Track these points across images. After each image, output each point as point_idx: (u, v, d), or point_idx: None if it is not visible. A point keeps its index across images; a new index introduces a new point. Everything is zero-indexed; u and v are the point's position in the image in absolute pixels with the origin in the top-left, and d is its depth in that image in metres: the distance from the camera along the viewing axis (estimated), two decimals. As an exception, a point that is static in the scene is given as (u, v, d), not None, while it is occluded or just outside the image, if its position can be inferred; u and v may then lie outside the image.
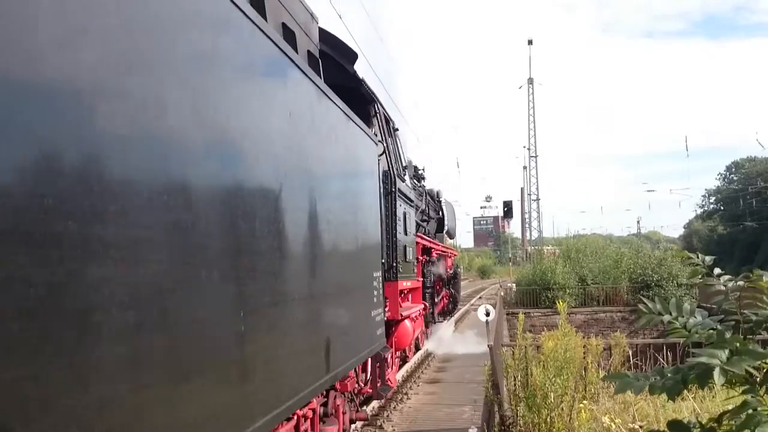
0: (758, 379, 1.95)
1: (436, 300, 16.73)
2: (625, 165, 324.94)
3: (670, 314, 2.18)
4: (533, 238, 62.24)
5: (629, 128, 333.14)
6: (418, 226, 13.38)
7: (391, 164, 9.57)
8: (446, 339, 18.78)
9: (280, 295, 4.04)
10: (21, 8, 1.92)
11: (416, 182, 14.90)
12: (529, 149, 61.31)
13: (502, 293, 31.61)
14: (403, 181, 10.89)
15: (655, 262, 28.75)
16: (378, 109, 9.43)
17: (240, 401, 3.34)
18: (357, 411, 7.99)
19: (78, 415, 2.06)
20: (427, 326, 16.38)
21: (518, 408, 7.64)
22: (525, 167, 62.03)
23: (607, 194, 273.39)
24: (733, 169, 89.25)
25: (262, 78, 3.95)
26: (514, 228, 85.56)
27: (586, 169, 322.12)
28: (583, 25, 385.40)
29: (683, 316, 2.16)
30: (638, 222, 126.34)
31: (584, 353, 9.39)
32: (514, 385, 7.84)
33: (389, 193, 9.15)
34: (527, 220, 62.76)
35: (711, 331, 2.07)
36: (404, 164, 11.90)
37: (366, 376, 8.35)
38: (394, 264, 9.47)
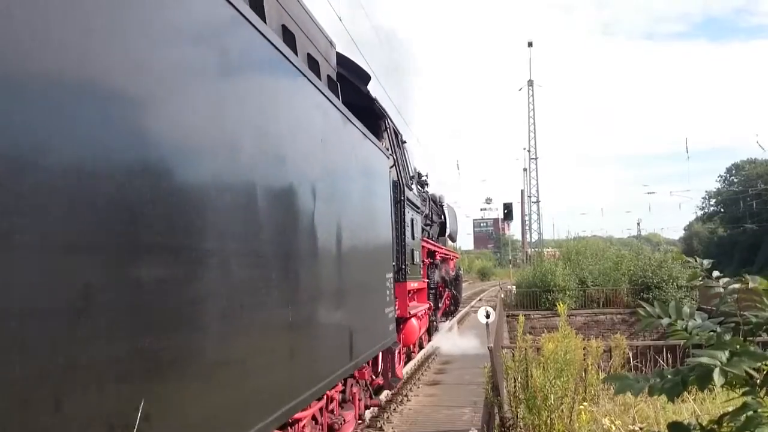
0: (758, 381, 1.95)
1: (439, 304, 17.59)
2: (625, 167, 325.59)
3: (670, 317, 2.18)
4: (533, 240, 62.21)
5: (629, 130, 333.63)
6: (422, 230, 14.00)
7: (400, 174, 10.43)
8: (449, 337, 19.40)
9: (316, 292, 4.84)
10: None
11: (420, 188, 15.47)
12: (529, 151, 61.33)
13: (502, 295, 31.59)
14: (411, 189, 11.75)
15: (655, 264, 28.69)
16: (388, 124, 10.20)
17: (288, 379, 4.15)
18: (371, 398, 8.61)
19: (196, 370, 2.95)
20: (431, 324, 16.87)
21: (518, 410, 7.64)
22: (525, 169, 62.06)
23: (607, 196, 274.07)
24: (734, 171, 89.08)
25: (311, 112, 4.96)
26: (514, 230, 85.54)
27: (587, 171, 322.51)
28: (582, 26, 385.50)
29: (683, 319, 2.17)
30: (638, 224, 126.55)
31: (584, 355, 9.40)
32: (514, 386, 7.84)
33: (398, 202, 10.01)
34: (527, 222, 62.75)
35: (711, 333, 2.08)
36: (411, 174, 12.80)
37: (377, 369, 8.95)
38: (403, 266, 10.33)
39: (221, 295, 3.17)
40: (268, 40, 3.93)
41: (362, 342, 6.37)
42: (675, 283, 27.28)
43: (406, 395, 11.65)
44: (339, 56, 7.38)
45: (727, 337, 2.02)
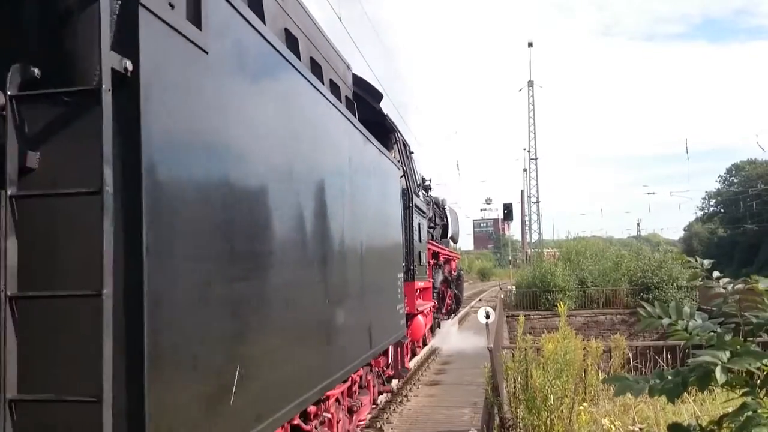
0: (758, 381, 1.95)
1: (442, 302, 18.21)
2: (625, 167, 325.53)
3: (670, 317, 2.18)
4: (533, 241, 62.20)
5: (629, 130, 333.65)
6: (427, 233, 14.75)
7: (409, 183, 11.54)
8: (451, 336, 20.08)
9: (345, 289, 5.67)
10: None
11: (424, 192, 16.16)
12: (529, 152, 61.26)
13: (502, 296, 31.58)
14: (418, 196, 12.90)
15: (655, 264, 28.68)
16: (398, 137, 11.38)
17: (325, 361, 5.00)
18: (383, 385, 9.51)
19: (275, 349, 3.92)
20: (434, 321, 17.28)
21: (518, 410, 7.64)
22: (525, 170, 62.00)
23: (607, 196, 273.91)
24: (734, 172, 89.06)
25: (341, 137, 5.86)
26: (514, 230, 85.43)
27: (586, 171, 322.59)
28: (583, 27, 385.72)
29: (683, 320, 2.16)
30: (638, 224, 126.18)
31: (584, 356, 9.39)
32: (514, 387, 7.84)
33: (407, 208, 11.20)
34: (527, 223, 62.72)
35: (711, 333, 2.08)
36: (418, 182, 13.99)
37: (388, 360, 9.72)
38: (412, 267, 11.41)
39: (287, 289, 4.10)
40: (323, 95, 5.18)
41: (378, 334, 7.19)
42: (675, 284, 27.25)
43: (406, 395, 11.65)
44: (354, 77, 8.30)
45: (728, 337, 2.02)
